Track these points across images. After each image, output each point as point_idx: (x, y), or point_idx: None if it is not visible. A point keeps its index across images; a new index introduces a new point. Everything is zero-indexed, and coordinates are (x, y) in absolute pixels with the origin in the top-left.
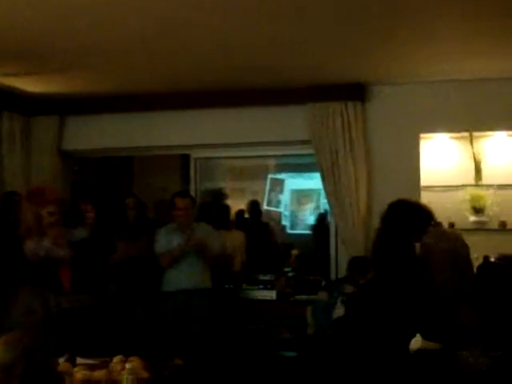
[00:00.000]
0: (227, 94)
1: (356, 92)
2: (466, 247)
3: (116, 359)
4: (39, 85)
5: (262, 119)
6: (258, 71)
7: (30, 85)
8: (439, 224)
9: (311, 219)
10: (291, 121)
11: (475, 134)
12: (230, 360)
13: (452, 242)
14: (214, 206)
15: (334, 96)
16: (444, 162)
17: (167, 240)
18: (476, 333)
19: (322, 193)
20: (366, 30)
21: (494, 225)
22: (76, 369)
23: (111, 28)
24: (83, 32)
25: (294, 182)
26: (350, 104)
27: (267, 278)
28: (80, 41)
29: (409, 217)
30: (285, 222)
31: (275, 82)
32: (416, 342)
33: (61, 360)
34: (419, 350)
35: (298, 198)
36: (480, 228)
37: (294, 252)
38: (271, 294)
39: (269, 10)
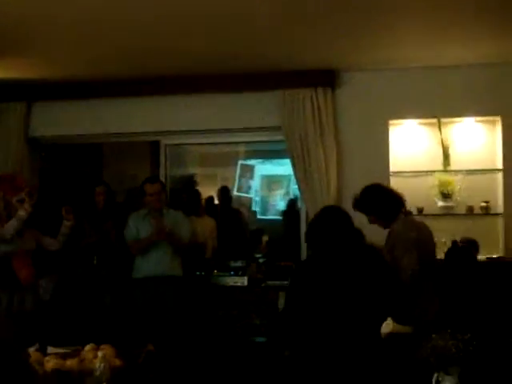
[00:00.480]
0: (197, 80)
1: (326, 78)
2: (431, 237)
3: (87, 347)
4: (4, 70)
5: (232, 105)
6: (228, 57)
7: None
8: (410, 213)
9: (281, 205)
10: (261, 107)
11: (443, 120)
12: (202, 346)
13: (420, 231)
14: (184, 192)
15: (304, 82)
16: (413, 148)
17: (137, 226)
18: (436, 317)
19: (292, 178)
20: (335, 17)
21: (462, 210)
22: (47, 358)
23: (74, 12)
24: (46, 17)
25: (264, 168)
26: (320, 90)
27: (238, 264)
28: (44, 26)
29: (381, 201)
30: (255, 208)
31: (245, 68)
32: (387, 326)
33: (31, 349)
34: (391, 334)
35: (268, 183)
36: (448, 213)
37: (265, 238)
38: (243, 280)
39: None
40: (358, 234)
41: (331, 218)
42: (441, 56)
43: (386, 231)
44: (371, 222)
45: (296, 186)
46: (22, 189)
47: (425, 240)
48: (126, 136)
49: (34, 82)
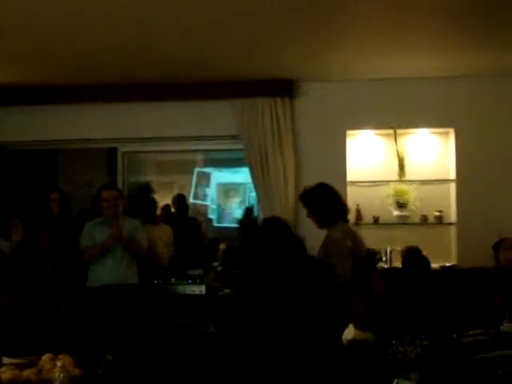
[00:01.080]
0: (156, 87)
1: (285, 88)
2: (364, 246)
3: (45, 357)
4: None
5: (190, 113)
6: (186, 65)
7: None
8: (347, 221)
9: (238, 213)
10: (220, 116)
11: (399, 131)
12: (159, 355)
13: (355, 240)
14: (139, 200)
15: (262, 91)
16: (369, 158)
17: (93, 233)
18: (364, 319)
19: (249, 186)
20: (295, 27)
21: (416, 219)
22: (3, 368)
23: (33, 17)
24: (10, 20)
25: (221, 176)
26: (278, 100)
27: (196, 272)
28: (5, 29)
29: (327, 201)
30: (212, 216)
31: (205, 76)
32: (349, 333)
33: None
34: (353, 341)
35: (224, 191)
36: (403, 222)
37: (222, 246)
38: (200, 289)
39: (199, 0)
40: (300, 243)
41: (272, 229)
42: (397, 68)
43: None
44: (308, 216)
45: (252, 194)
46: None
47: (359, 249)
48: (83, 142)
49: None
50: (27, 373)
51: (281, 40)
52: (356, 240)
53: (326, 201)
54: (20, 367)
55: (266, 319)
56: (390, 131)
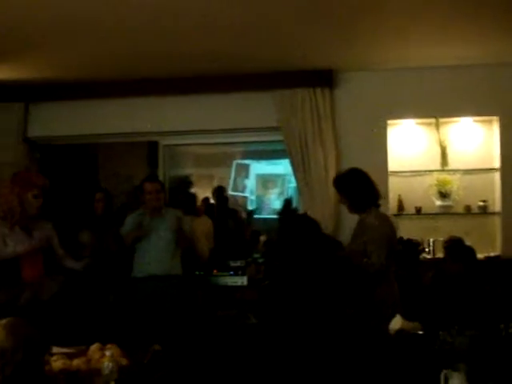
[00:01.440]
0: (196, 80)
1: (324, 78)
2: (396, 232)
3: (93, 347)
4: (2, 71)
5: (230, 106)
6: (227, 57)
7: None
8: (379, 206)
9: (277, 204)
10: (260, 107)
11: (441, 119)
12: (203, 346)
13: (392, 227)
14: (180, 193)
15: (302, 82)
16: (411, 148)
17: (135, 223)
18: (393, 307)
19: (288, 178)
20: (334, 17)
21: (460, 209)
22: (54, 358)
23: (71, 13)
24: (45, 20)
25: (260, 167)
26: (318, 90)
27: (238, 264)
28: (42, 29)
29: (361, 186)
30: (250, 207)
31: (244, 68)
32: (396, 323)
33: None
34: (400, 331)
35: (263, 182)
36: (446, 212)
37: (262, 238)
38: (242, 280)
39: None
40: (326, 239)
41: (300, 227)
42: (439, 56)
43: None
44: (341, 202)
45: (291, 185)
46: (36, 185)
47: (394, 235)
48: (124, 136)
49: (32, 83)
50: (77, 362)
51: (320, 30)
52: (392, 226)
53: (358, 185)
54: (69, 357)
55: (296, 311)
56: (432, 120)
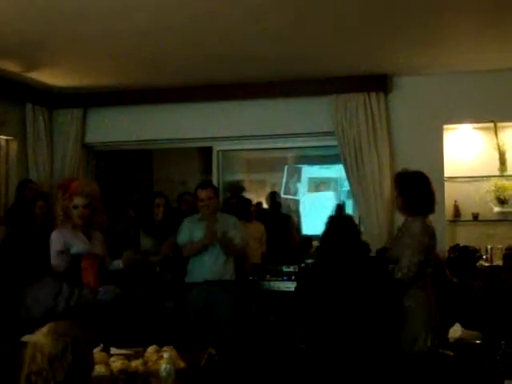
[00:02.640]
0: (251, 86)
1: (379, 83)
2: (435, 243)
3: (151, 349)
4: (62, 78)
5: (284, 111)
6: (281, 63)
7: (52, 78)
8: (428, 216)
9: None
10: (314, 112)
11: (500, 124)
12: (256, 351)
13: (432, 238)
14: (234, 197)
15: (357, 87)
16: (468, 153)
17: (191, 230)
18: (421, 315)
19: (339, 182)
20: (388, 22)
21: None
22: (113, 358)
23: (129, 23)
24: (102, 28)
25: (312, 171)
26: (373, 95)
27: (290, 269)
28: (100, 37)
29: (422, 191)
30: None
31: (298, 73)
32: (455, 332)
33: (96, 350)
34: (459, 339)
35: (315, 186)
36: (504, 219)
37: (315, 243)
38: (295, 286)
39: (294, 1)
40: (363, 245)
41: (340, 228)
42: (496, 59)
43: None
44: (395, 198)
45: (343, 189)
46: (78, 194)
47: (433, 246)
48: (179, 142)
49: (90, 90)
50: (135, 363)
51: (375, 35)
52: (433, 238)
53: (419, 188)
54: (127, 358)
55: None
56: (490, 125)
